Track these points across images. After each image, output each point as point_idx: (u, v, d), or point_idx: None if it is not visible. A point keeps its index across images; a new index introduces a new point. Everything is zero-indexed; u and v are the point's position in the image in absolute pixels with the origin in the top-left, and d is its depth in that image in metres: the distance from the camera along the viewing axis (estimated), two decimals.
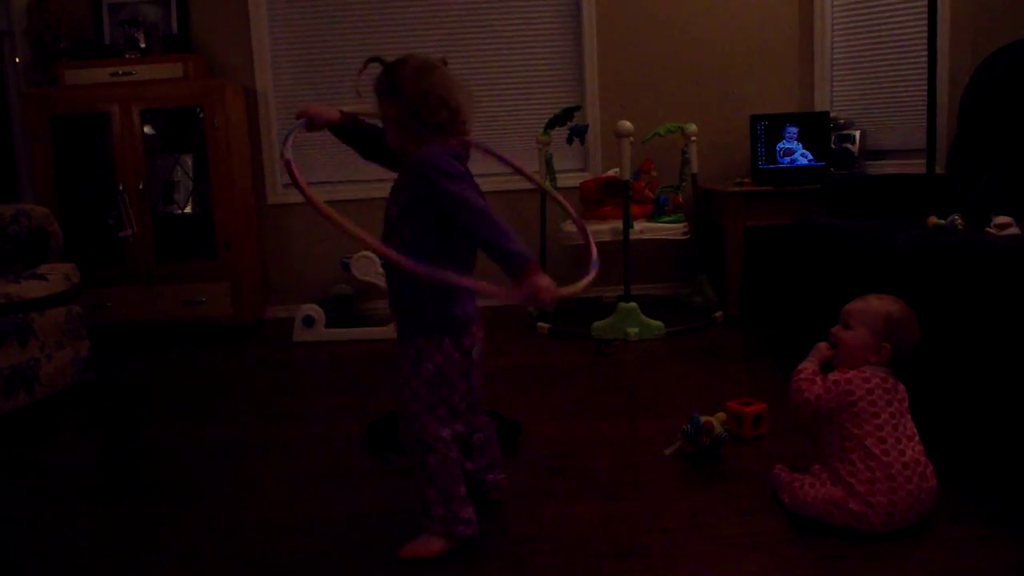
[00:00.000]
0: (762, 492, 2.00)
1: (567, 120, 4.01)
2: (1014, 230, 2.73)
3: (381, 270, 3.77)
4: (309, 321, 3.79)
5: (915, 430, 1.83)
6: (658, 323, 3.63)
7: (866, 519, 1.76)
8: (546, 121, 4.00)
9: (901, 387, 1.86)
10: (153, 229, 4.05)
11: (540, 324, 3.84)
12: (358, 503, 2.05)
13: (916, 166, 3.86)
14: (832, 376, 1.85)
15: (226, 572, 1.76)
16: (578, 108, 4.07)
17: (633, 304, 3.63)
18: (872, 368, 1.85)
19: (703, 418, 2.23)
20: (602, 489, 2.08)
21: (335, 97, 4.42)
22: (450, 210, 1.68)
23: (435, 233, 1.74)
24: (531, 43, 4.51)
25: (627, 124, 3.63)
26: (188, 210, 4.24)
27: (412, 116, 1.75)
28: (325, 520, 1.97)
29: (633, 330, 3.59)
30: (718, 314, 3.87)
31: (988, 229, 2.77)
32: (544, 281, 1.60)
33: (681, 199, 3.97)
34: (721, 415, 2.27)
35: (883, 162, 4.11)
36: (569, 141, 4.06)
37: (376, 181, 4.38)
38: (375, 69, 1.86)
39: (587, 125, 4.11)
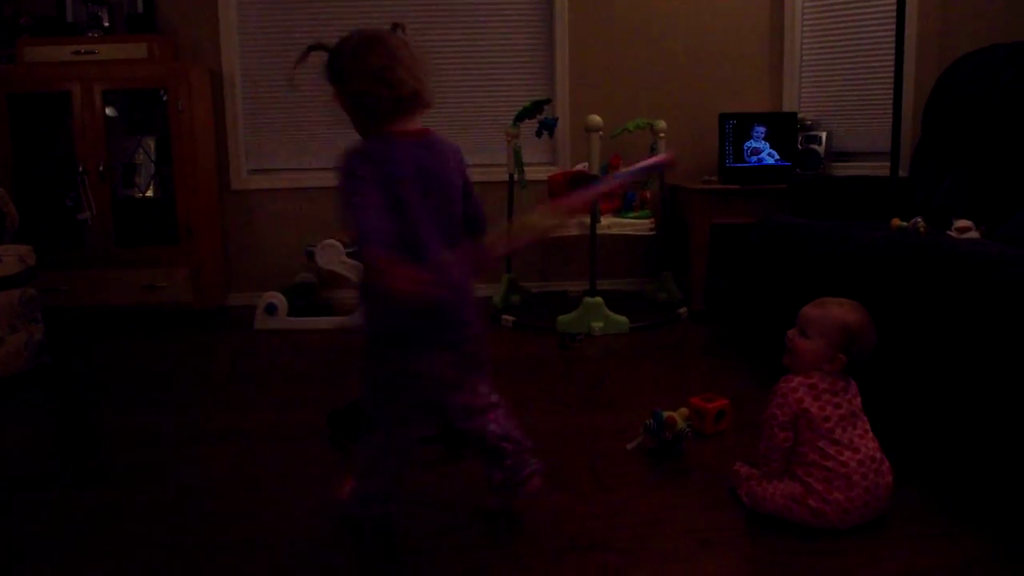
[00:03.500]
0: (723, 488, 2.01)
1: (537, 113, 4.00)
2: (974, 234, 2.78)
3: (345, 259, 3.74)
4: (271, 309, 3.74)
5: (868, 427, 1.85)
6: (623, 318, 3.64)
7: (824, 516, 1.78)
8: (515, 113, 3.98)
9: (853, 385, 1.88)
10: (113, 212, 3.96)
11: (505, 317, 3.83)
12: (317, 494, 2.02)
13: (880, 169, 3.91)
14: (779, 388, 1.86)
15: (183, 562, 1.73)
16: (548, 101, 4.05)
17: (598, 299, 3.63)
18: (820, 373, 1.85)
19: (666, 413, 2.24)
20: (566, 483, 2.08)
21: (302, 81, 4.34)
22: None
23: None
24: (502, 33, 4.48)
25: (596, 119, 3.63)
26: (149, 194, 4.16)
27: (357, 105, 1.65)
28: (284, 511, 1.95)
29: (598, 324, 3.60)
30: (682, 310, 3.89)
31: (949, 232, 2.82)
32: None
33: (649, 195, 3.98)
34: (684, 411, 2.28)
35: (848, 164, 4.16)
36: (538, 134, 4.05)
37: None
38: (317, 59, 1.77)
39: (556, 119, 4.10)
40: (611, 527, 1.84)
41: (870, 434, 1.84)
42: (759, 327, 3.37)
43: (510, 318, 3.81)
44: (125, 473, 2.21)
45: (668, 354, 3.30)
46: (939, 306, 2.16)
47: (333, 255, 3.71)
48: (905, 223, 2.89)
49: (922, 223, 2.84)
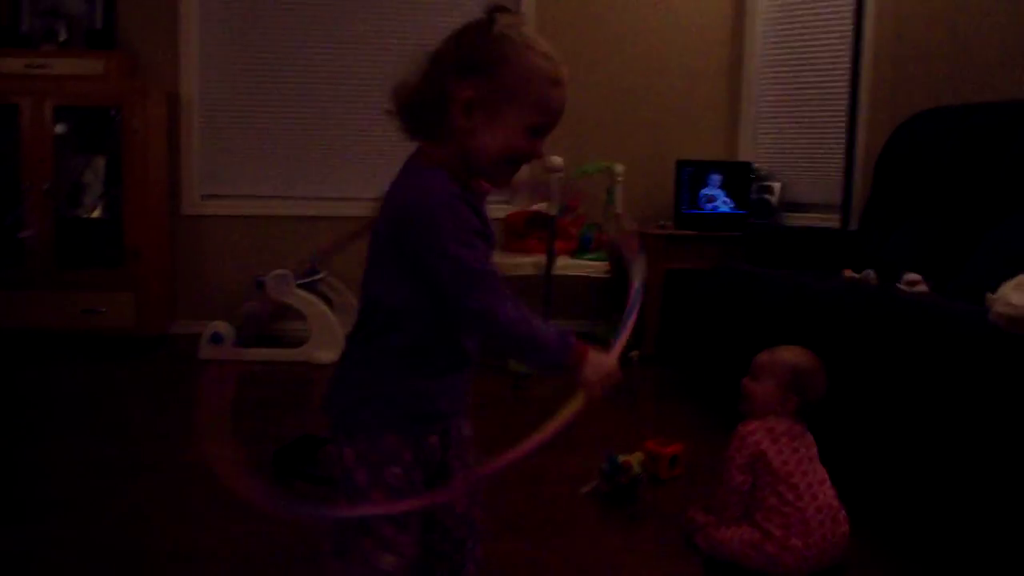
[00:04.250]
0: (679, 535, 1.99)
1: None
2: (922, 287, 2.83)
3: (296, 289, 3.67)
4: (217, 338, 3.63)
5: (826, 475, 1.87)
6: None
7: (781, 563, 1.77)
8: None
9: (809, 436, 1.91)
10: (56, 232, 3.83)
11: None
12: (261, 531, 1.95)
13: (832, 221, 4.00)
14: (737, 432, 1.88)
15: None
16: None
17: None
18: (776, 417, 1.88)
19: (621, 458, 2.22)
20: (521, 528, 2.04)
21: (262, 108, 4.30)
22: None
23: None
24: None
25: (558, 159, 3.64)
26: (96, 214, 4.04)
27: (497, 113, 1.19)
28: (225, 548, 1.87)
29: None
30: (634, 353, 3.88)
31: (899, 285, 2.87)
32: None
33: (605, 237, 4.00)
34: (639, 455, 2.26)
35: (800, 214, 4.24)
36: None
37: (314, 199, 4.29)
38: None
39: None
40: (567, 572, 1.80)
41: (828, 482, 1.85)
42: (712, 373, 3.39)
43: None
44: (61, 507, 2.10)
45: (621, 396, 3.28)
46: (891, 356, 2.19)
47: (285, 286, 3.64)
48: (856, 275, 2.94)
49: (873, 276, 2.90)
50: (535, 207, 4.06)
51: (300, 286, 3.67)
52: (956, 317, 2.09)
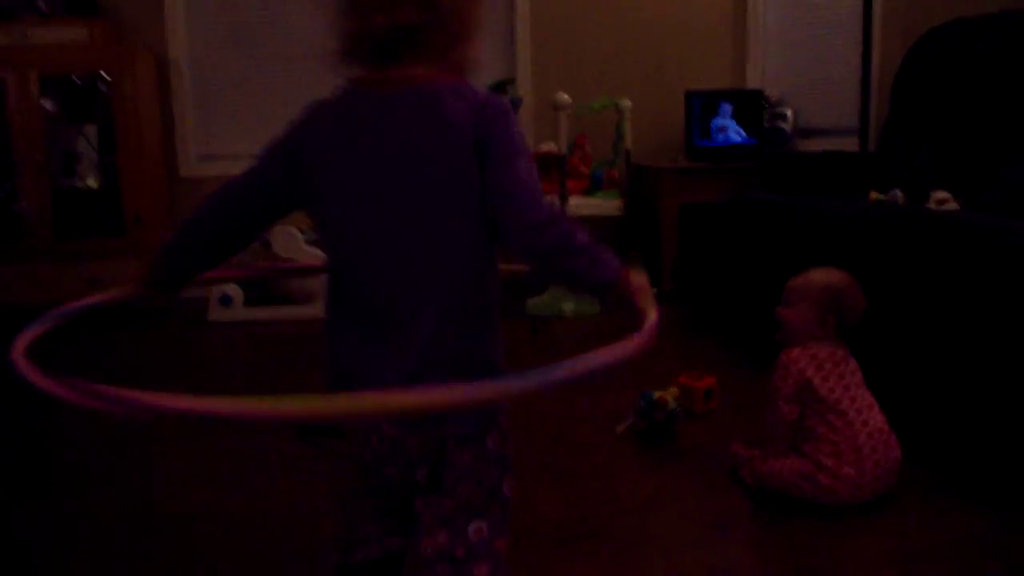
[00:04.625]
0: (722, 469, 1.93)
1: (501, 92, 3.88)
2: (952, 205, 2.74)
3: (305, 247, 3.57)
4: (226, 300, 3.55)
5: (874, 400, 1.79)
6: (593, 301, 3.55)
7: (835, 493, 1.70)
8: None
9: (852, 360, 1.82)
10: (53, 203, 3.73)
11: None
12: (284, 490, 1.89)
13: (848, 145, 3.88)
14: (780, 361, 1.79)
15: (140, 567, 1.58)
16: (512, 81, 3.94)
17: None
18: (818, 343, 1.80)
19: (656, 394, 2.15)
20: (557, 471, 1.97)
21: (254, 67, 4.17)
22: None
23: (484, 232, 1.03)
24: None
25: (564, 96, 3.52)
26: (92, 184, 3.94)
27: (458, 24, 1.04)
28: (250, 510, 1.81)
29: (569, 306, 3.50)
30: (653, 290, 3.81)
31: (928, 204, 2.78)
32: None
33: (616, 175, 3.89)
34: (674, 390, 2.19)
35: (815, 140, 4.11)
36: None
37: None
38: None
39: (521, 98, 3.99)
40: (612, 514, 1.74)
41: (877, 407, 1.78)
42: (735, 306, 3.30)
43: None
44: (75, 474, 2.05)
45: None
46: (930, 277, 2.10)
47: (291, 242, 3.54)
48: (883, 196, 2.84)
49: (901, 196, 2.80)
50: (543, 148, 3.94)
51: (308, 242, 3.57)
52: (997, 230, 1.99)
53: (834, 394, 1.74)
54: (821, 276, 1.84)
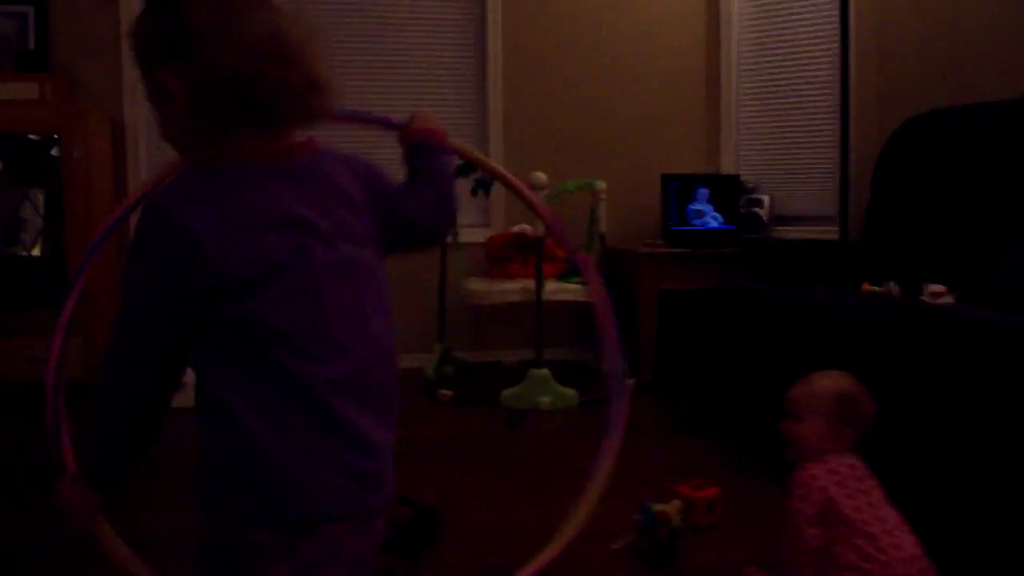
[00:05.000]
0: None
1: (471, 171, 3.76)
2: (948, 299, 2.65)
3: None
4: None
5: (901, 519, 1.63)
6: (571, 391, 3.38)
7: None
8: None
9: (871, 474, 1.67)
10: None
11: (442, 392, 3.49)
12: None
13: (826, 231, 3.83)
14: (798, 479, 1.63)
15: None
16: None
17: (545, 371, 3.36)
18: (836, 458, 1.64)
19: (657, 507, 1.97)
20: None
21: None
22: None
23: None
24: (432, 83, 4.23)
25: (542, 176, 3.41)
26: (36, 252, 3.67)
27: (204, 97, 0.94)
28: None
29: (545, 399, 3.32)
30: (630, 381, 3.66)
31: (923, 297, 2.69)
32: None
33: (591, 259, 3.77)
34: (676, 503, 2.01)
35: (792, 226, 4.06)
36: (474, 193, 3.81)
37: None
38: None
39: (494, 177, 3.86)
40: None
41: (907, 527, 1.61)
42: (726, 400, 3.16)
43: (448, 392, 3.48)
44: None
45: (629, 432, 3.02)
46: (933, 375, 1.99)
47: None
48: (877, 288, 2.75)
49: (896, 288, 2.71)
50: (516, 229, 3.81)
51: None
52: (1006, 328, 1.89)
53: (860, 514, 1.57)
54: (829, 384, 1.68)
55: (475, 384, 3.72)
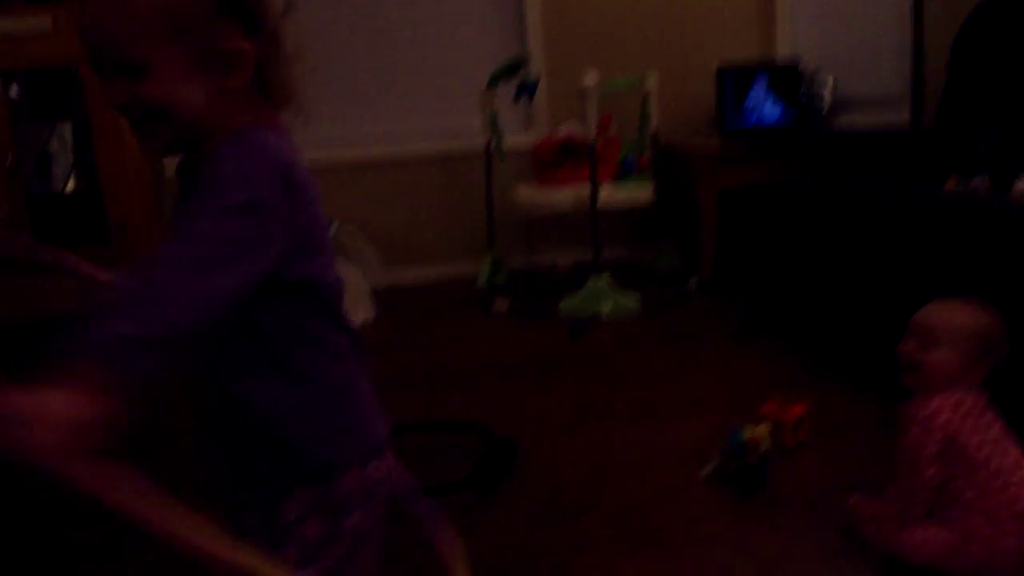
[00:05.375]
0: (834, 523, 1.66)
1: (514, 74, 3.54)
2: None
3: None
4: None
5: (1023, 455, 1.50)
6: (631, 298, 3.25)
7: (990, 568, 1.43)
8: (489, 75, 3.51)
9: (993, 407, 1.53)
10: (28, 211, 3.38)
11: (499, 300, 3.38)
12: None
13: (894, 117, 3.57)
14: (916, 414, 1.49)
15: None
16: (525, 60, 3.60)
17: (605, 277, 3.23)
18: (962, 390, 1.50)
19: (747, 432, 1.86)
20: (642, 535, 1.69)
21: None
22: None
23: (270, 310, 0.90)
24: None
25: (593, 74, 3.18)
26: (71, 188, 3.57)
27: (276, 59, 0.92)
28: None
29: (606, 307, 3.20)
30: (692, 282, 3.52)
31: (1013, 193, 2.49)
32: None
33: (646, 159, 3.57)
34: (766, 426, 1.91)
35: (856, 112, 3.80)
36: (517, 98, 3.60)
37: (326, 142, 3.83)
38: None
39: (537, 80, 3.64)
40: None
41: None
42: (790, 300, 3.02)
43: (504, 303, 3.37)
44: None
45: (693, 341, 2.91)
46: None
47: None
48: (963, 183, 2.55)
49: (986, 183, 2.51)
50: (564, 132, 3.61)
51: None
52: None
53: (984, 450, 1.45)
54: (973, 318, 1.51)
55: (529, 291, 3.61)
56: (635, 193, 3.42)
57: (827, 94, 3.74)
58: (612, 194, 3.36)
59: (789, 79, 3.67)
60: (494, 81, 3.52)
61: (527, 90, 3.55)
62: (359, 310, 3.26)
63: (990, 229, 2.03)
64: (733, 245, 3.54)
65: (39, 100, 3.56)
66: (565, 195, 3.36)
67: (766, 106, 3.66)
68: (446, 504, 1.80)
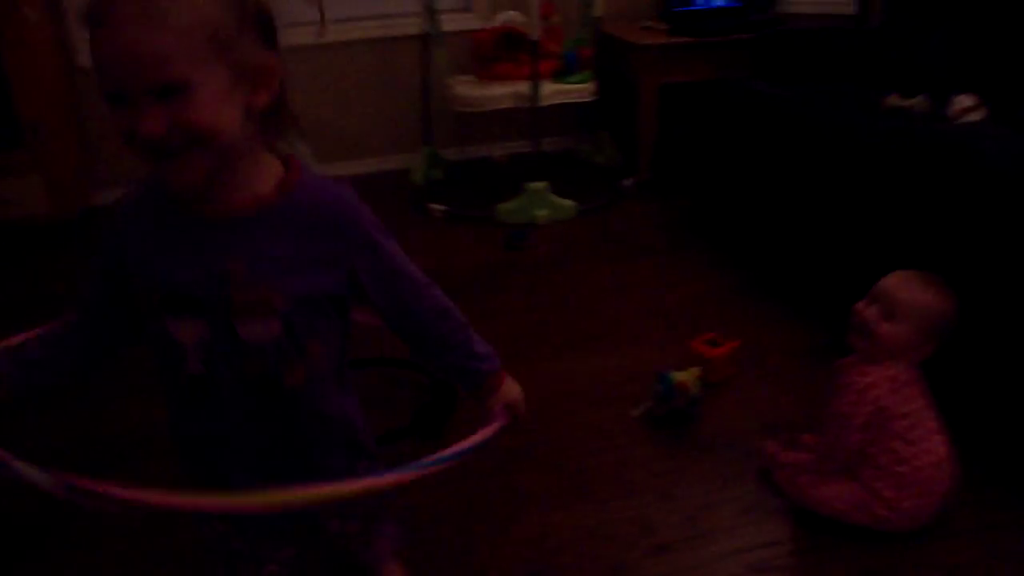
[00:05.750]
0: (754, 469, 1.79)
1: None
2: (978, 114, 2.46)
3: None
4: None
5: (941, 423, 1.59)
6: (568, 203, 3.25)
7: (889, 522, 1.57)
8: None
9: (923, 379, 1.60)
10: None
11: (433, 207, 3.34)
12: None
13: (841, 8, 3.47)
14: (852, 384, 1.55)
15: None
16: None
17: (543, 184, 3.20)
18: (900, 363, 1.56)
19: (676, 377, 1.94)
20: (573, 485, 1.78)
21: None
22: (391, 290, 1.02)
23: (341, 336, 1.05)
24: None
25: None
26: None
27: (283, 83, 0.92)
28: None
29: (543, 212, 3.19)
30: (628, 181, 3.52)
31: (949, 111, 2.50)
32: (518, 389, 1.16)
33: (588, 53, 3.44)
34: (695, 370, 1.98)
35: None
36: None
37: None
38: None
39: None
40: (645, 553, 1.57)
41: (943, 431, 1.59)
42: (729, 209, 3.05)
43: (440, 208, 3.33)
44: None
45: (629, 253, 2.94)
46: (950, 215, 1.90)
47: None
48: (903, 103, 2.54)
49: (926, 104, 2.51)
50: (502, 21, 3.45)
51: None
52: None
53: (905, 420, 1.54)
54: (934, 301, 1.53)
55: (466, 190, 3.55)
56: (577, 90, 3.33)
57: None
58: (554, 93, 3.27)
59: None
60: None
61: None
62: None
63: (922, 158, 2.05)
64: (672, 143, 3.52)
65: None
66: (505, 91, 3.26)
67: None
68: (393, 451, 1.84)
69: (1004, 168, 1.86)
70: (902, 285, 1.55)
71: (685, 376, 1.94)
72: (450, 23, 3.59)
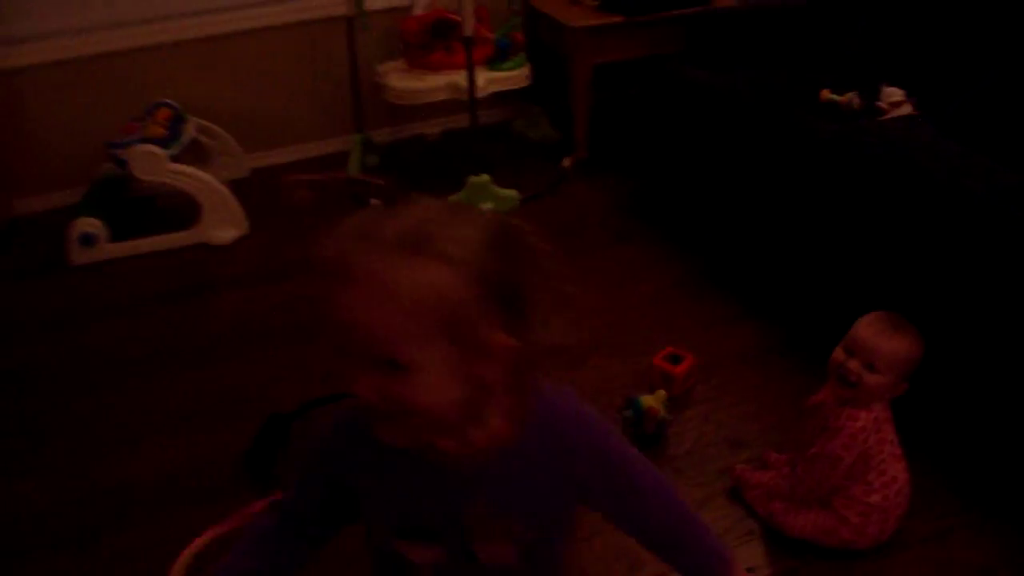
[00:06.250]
0: (724, 488, 1.90)
1: None
2: (906, 108, 2.56)
3: (171, 165, 3.00)
4: (88, 240, 2.99)
5: (901, 450, 1.72)
6: (512, 193, 3.26)
7: (853, 544, 1.71)
8: None
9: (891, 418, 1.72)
10: None
11: (374, 202, 3.29)
12: None
13: None
14: (845, 428, 1.64)
15: None
16: None
17: (485, 177, 3.19)
18: (878, 407, 1.67)
19: (645, 402, 2.02)
20: None
21: None
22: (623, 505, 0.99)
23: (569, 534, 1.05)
24: None
25: None
26: None
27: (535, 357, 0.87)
28: None
29: (486, 206, 3.20)
30: (566, 162, 3.54)
31: (879, 104, 2.59)
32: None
33: (520, 36, 3.39)
34: (662, 393, 2.07)
35: None
36: None
37: (151, 22, 3.39)
38: None
39: None
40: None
41: (903, 459, 1.71)
42: (661, 186, 3.12)
43: (379, 202, 3.28)
44: None
45: (578, 245, 2.98)
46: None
47: (155, 164, 2.95)
48: (836, 97, 2.62)
49: (856, 100, 2.59)
50: (431, 9, 3.36)
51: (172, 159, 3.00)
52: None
53: (882, 455, 1.67)
54: (909, 348, 1.61)
55: (404, 176, 3.49)
56: (512, 78, 3.30)
57: None
58: (489, 82, 3.23)
59: None
60: None
61: None
62: (228, 226, 3.11)
63: (869, 168, 2.15)
64: (609, 122, 3.53)
65: None
66: (439, 83, 3.20)
67: None
68: None
69: (943, 180, 1.98)
70: (878, 337, 1.61)
71: (653, 400, 2.03)
72: (376, 1, 3.46)
